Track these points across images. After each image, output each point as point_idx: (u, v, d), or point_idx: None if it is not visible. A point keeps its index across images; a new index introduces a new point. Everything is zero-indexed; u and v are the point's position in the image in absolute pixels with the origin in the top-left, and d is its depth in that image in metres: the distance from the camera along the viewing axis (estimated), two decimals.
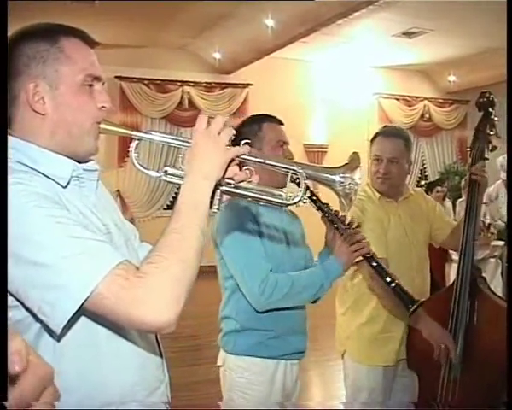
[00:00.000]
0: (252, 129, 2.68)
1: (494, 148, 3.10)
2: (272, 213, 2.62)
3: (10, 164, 1.41)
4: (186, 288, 1.37)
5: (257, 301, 2.51)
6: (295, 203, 1.62)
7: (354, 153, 1.65)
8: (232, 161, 1.51)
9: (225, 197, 1.60)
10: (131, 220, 10.78)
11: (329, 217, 2.52)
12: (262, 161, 1.59)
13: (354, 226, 2.54)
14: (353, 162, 1.61)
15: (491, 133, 3.07)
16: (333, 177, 1.58)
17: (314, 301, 2.71)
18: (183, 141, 1.57)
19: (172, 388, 1.73)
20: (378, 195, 3.13)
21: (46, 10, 7.15)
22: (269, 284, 2.46)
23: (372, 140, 3.21)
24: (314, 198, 2.46)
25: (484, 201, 7.99)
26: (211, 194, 1.47)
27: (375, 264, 2.52)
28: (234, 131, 1.55)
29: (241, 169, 1.56)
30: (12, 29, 1.54)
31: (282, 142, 2.70)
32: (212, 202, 1.50)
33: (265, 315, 2.57)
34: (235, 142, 2.26)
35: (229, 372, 2.67)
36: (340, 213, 2.50)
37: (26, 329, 1.39)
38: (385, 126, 3.44)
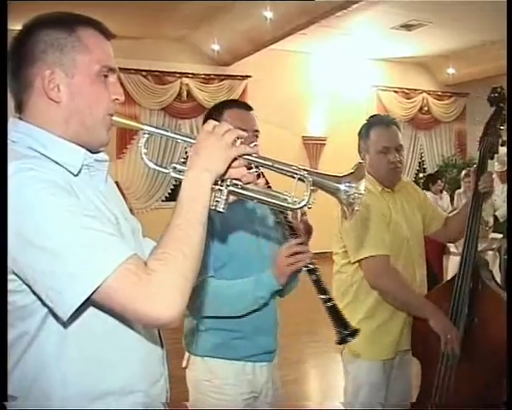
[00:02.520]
0: (214, 117, 2.32)
1: (504, 142, 3.07)
2: (244, 209, 2.43)
3: (13, 147, 1.42)
4: (190, 283, 1.39)
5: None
6: (301, 208, 1.62)
7: (360, 163, 1.63)
8: (236, 159, 1.52)
9: (231, 198, 1.61)
10: (130, 212, 10.76)
11: (278, 219, 2.39)
12: (270, 164, 1.59)
13: (300, 235, 2.35)
14: (359, 172, 1.59)
15: (502, 128, 3.04)
16: (338, 185, 1.55)
17: (281, 295, 2.55)
18: (192, 138, 1.56)
19: (172, 380, 1.74)
20: (379, 188, 3.06)
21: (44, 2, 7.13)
22: (195, 290, 2.28)
23: (367, 132, 3.09)
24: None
25: None
26: (211, 186, 1.48)
27: (314, 278, 2.32)
28: (241, 133, 1.55)
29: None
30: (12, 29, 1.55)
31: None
32: (218, 202, 1.51)
33: None
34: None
35: (194, 374, 2.52)
36: (290, 217, 2.35)
37: (30, 314, 1.40)
38: (376, 116, 3.29)
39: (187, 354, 2.55)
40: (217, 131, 1.51)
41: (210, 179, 1.47)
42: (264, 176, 1.93)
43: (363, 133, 3.13)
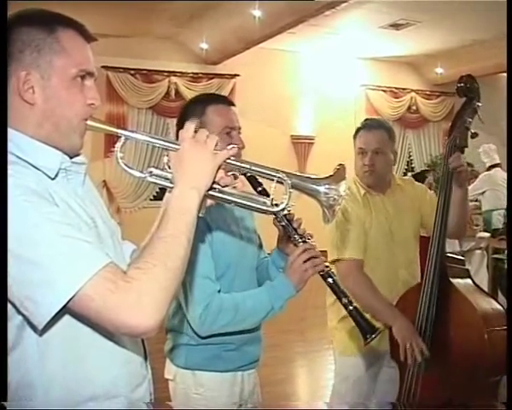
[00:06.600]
0: (195, 111, 2.34)
1: (475, 135, 2.94)
2: (225, 210, 2.36)
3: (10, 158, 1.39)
4: (171, 296, 1.36)
5: (198, 328, 2.28)
6: (280, 211, 1.62)
7: (340, 164, 1.64)
8: (220, 166, 1.51)
9: (209, 202, 1.59)
10: (118, 211, 10.74)
11: (282, 222, 2.27)
12: (248, 166, 1.58)
13: (309, 238, 2.27)
14: (339, 174, 1.60)
15: (470, 120, 2.93)
16: (318, 187, 1.56)
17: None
18: (170, 143, 1.54)
19: (157, 379, 1.73)
20: (363, 191, 3.17)
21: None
22: (211, 312, 2.21)
23: (355, 135, 3.23)
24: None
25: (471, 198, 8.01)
26: (199, 203, 1.46)
27: (330, 281, 2.26)
28: (217, 137, 1.53)
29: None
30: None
31: (228, 128, 2.34)
32: None
33: None
34: (180, 123, 2.17)
35: (182, 387, 2.43)
36: (295, 219, 2.27)
37: (8, 320, 1.37)
38: (366, 119, 3.41)
39: (172, 366, 2.46)
40: (199, 137, 1.49)
41: (198, 196, 1.46)
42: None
43: (355, 135, 3.25)
